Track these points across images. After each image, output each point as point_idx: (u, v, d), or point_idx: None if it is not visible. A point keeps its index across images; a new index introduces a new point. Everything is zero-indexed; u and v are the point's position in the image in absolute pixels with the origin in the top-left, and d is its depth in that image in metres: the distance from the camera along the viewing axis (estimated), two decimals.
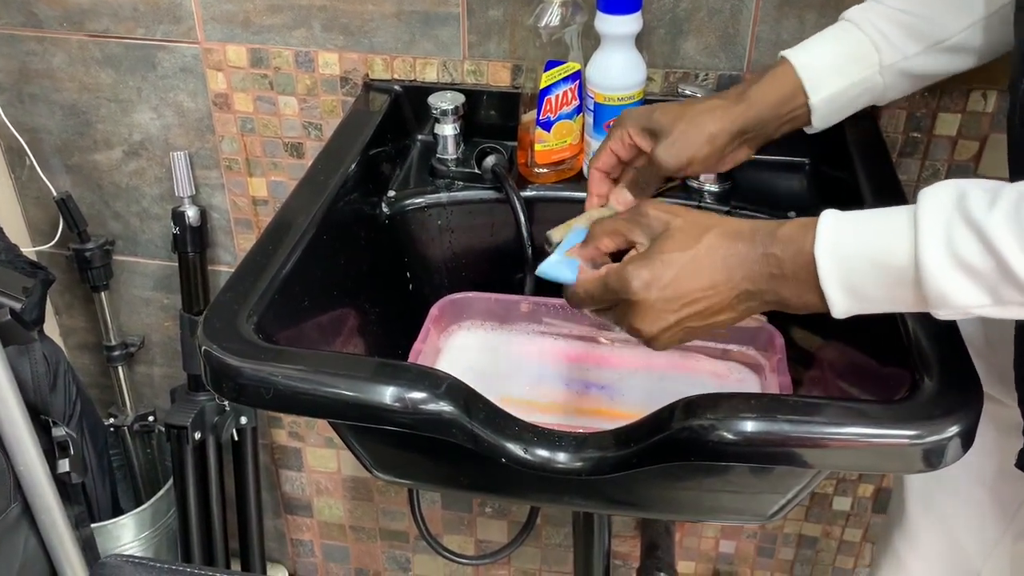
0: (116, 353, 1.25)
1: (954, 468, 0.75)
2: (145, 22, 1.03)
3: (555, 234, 0.73)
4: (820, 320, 0.67)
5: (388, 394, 0.62)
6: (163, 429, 1.24)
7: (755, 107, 0.70)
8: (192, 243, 1.13)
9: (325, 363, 0.65)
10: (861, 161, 0.88)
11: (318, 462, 1.36)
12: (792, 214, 0.90)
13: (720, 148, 0.70)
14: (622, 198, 0.72)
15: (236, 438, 1.22)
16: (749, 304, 0.60)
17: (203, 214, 1.13)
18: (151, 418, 1.28)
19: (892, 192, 0.83)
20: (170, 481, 1.24)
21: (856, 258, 0.54)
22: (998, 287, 0.49)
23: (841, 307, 0.56)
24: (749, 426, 0.60)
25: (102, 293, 1.21)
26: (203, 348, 0.66)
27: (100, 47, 1.06)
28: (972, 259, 0.49)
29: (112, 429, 1.27)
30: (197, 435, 1.17)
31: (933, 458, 0.59)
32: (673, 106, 0.71)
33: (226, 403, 1.20)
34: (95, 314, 1.24)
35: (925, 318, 0.58)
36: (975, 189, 0.50)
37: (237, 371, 0.64)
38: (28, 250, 1.18)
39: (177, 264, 1.17)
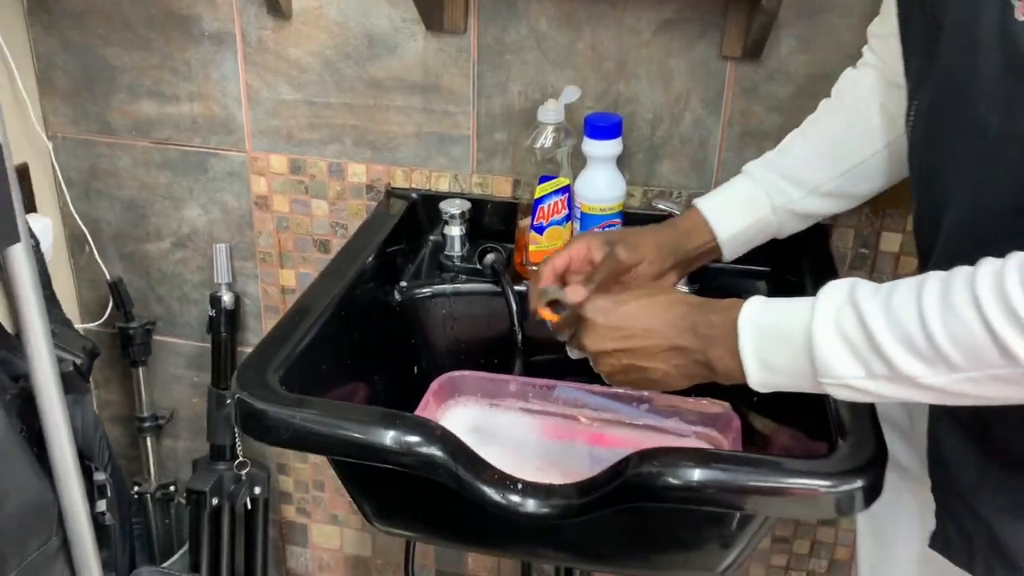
0: (147, 425, 1.37)
1: (895, 543, 0.86)
2: (202, 133, 1.21)
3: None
4: (770, 408, 0.78)
5: (389, 437, 0.74)
6: (183, 500, 1.35)
7: (678, 234, 0.87)
8: (226, 325, 1.27)
9: (337, 410, 0.78)
10: (811, 272, 1.02)
11: (323, 538, 1.45)
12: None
13: (664, 257, 0.86)
14: (577, 292, 0.78)
15: (249, 507, 1.32)
16: (679, 361, 0.70)
17: (237, 300, 1.28)
18: (172, 487, 1.39)
19: None
20: (184, 547, 1.33)
21: (768, 330, 0.65)
22: (868, 359, 0.59)
23: (754, 375, 0.66)
24: (693, 473, 0.71)
25: (140, 368, 1.34)
26: (236, 395, 0.78)
27: (161, 152, 1.23)
28: (850, 333, 0.59)
29: (135, 496, 1.37)
30: (215, 501, 1.27)
31: (843, 505, 0.69)
32: (622, 228, 0.89)
33: (243, 473, 1.30)
34: (131, 389, 1.37)
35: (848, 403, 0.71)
36: (865, 283, 0.62)
37: (263, 413, 0.76)
38: (77, 326, 1.32)
39: (208, 345, 1.30)
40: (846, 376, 0.60)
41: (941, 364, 0.56)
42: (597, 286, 0.79)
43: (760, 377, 0.66)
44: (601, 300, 0.74)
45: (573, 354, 0.80)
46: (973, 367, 0.55)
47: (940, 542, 0.75)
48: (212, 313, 1.27)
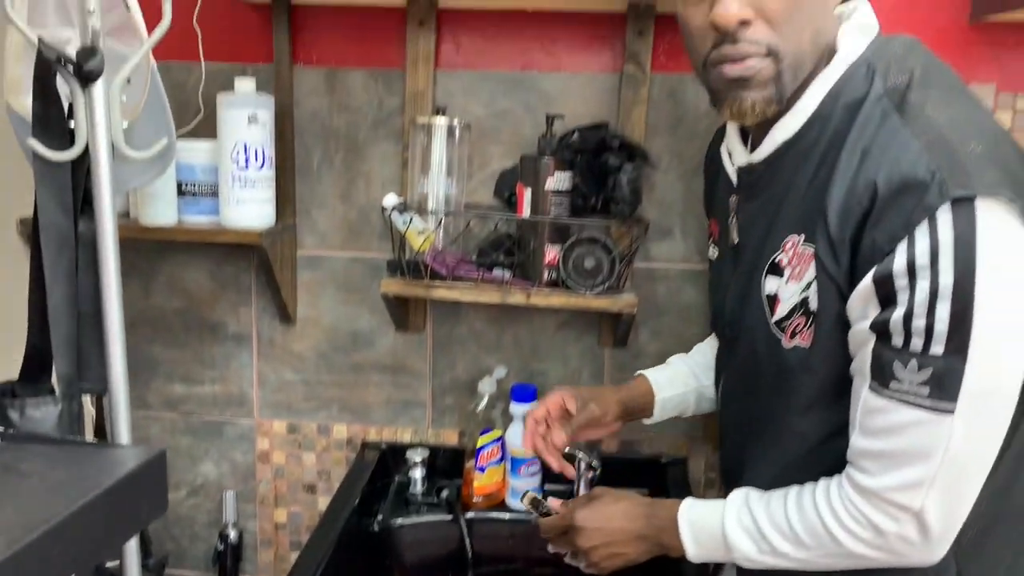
0: None
1: None
2: (220, 406, 1.59)
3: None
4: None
5: None
6: None
7: (632, 395, 1.19)
8: (231, 556, 1.58)
9: None
10: (672, 488, 1.44)
11: None
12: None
13: (619, 412, 1.16)
14: (558, 438, 1.12)
15: None
16: (642, 545, 1.02)
17: (240, 535, 1.60)
18: None
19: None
20: None
21: (696, 522, 0.97)
22: (758, 541, 0.91)
23: (691, 551, 0.97)
24: None
25: None
26: None
27: (185, 421, 1.60)
28: (747, 525, 0.92)
29: None
30: None
31: None
32: (588, 388, 1.20)
33: None
34: None
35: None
36: (755, 491, 0.95)
37: None
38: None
39: (207, 575, 1.60)
40: (747, 552, 0.93)
41: (799, 545, 0.89)
42: (574, 431, 1.13)
43: (695, 552, 0.98)
44: (584, 509, 1.05)
45: (571, 561, 1.10)
46: (818, 547, 0.88)
47: None
48: (220, 547, 1.58)
